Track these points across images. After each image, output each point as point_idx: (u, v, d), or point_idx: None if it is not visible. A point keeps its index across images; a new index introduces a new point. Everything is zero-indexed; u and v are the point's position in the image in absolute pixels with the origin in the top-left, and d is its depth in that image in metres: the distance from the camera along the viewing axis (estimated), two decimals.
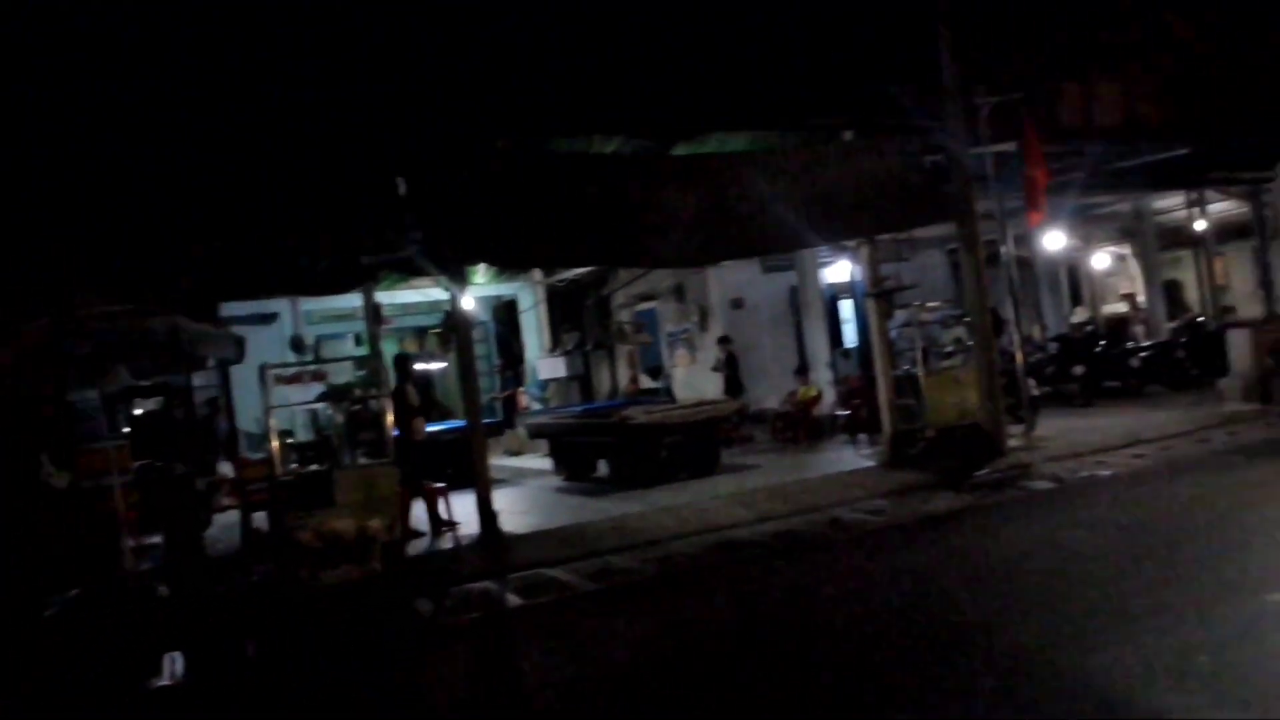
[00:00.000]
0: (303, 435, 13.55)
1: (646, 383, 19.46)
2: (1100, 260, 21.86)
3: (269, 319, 16.36)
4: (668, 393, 17.97)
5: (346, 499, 8.40)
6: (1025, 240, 15.69)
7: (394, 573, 8.18)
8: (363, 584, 7.88)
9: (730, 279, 17.48)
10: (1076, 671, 4.48)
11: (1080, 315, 21.46)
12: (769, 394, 16.41)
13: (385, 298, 15.22)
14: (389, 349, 14.82)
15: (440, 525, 10.19)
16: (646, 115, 10.47)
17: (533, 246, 10.29)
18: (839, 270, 16.75)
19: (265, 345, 14.05)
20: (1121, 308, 22.05)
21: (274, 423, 9.14)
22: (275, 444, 9.03)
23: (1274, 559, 6.24)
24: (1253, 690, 4.14)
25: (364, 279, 12.49)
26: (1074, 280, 22.56)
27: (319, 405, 12.54)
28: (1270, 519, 7.17)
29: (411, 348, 19.20)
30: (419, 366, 17.08)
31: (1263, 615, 5.01)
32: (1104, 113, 14.65)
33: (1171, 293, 22.15)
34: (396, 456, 9.20)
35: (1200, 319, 17.95)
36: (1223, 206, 19.14)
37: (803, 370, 15.76)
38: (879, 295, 12.12)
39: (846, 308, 18.54)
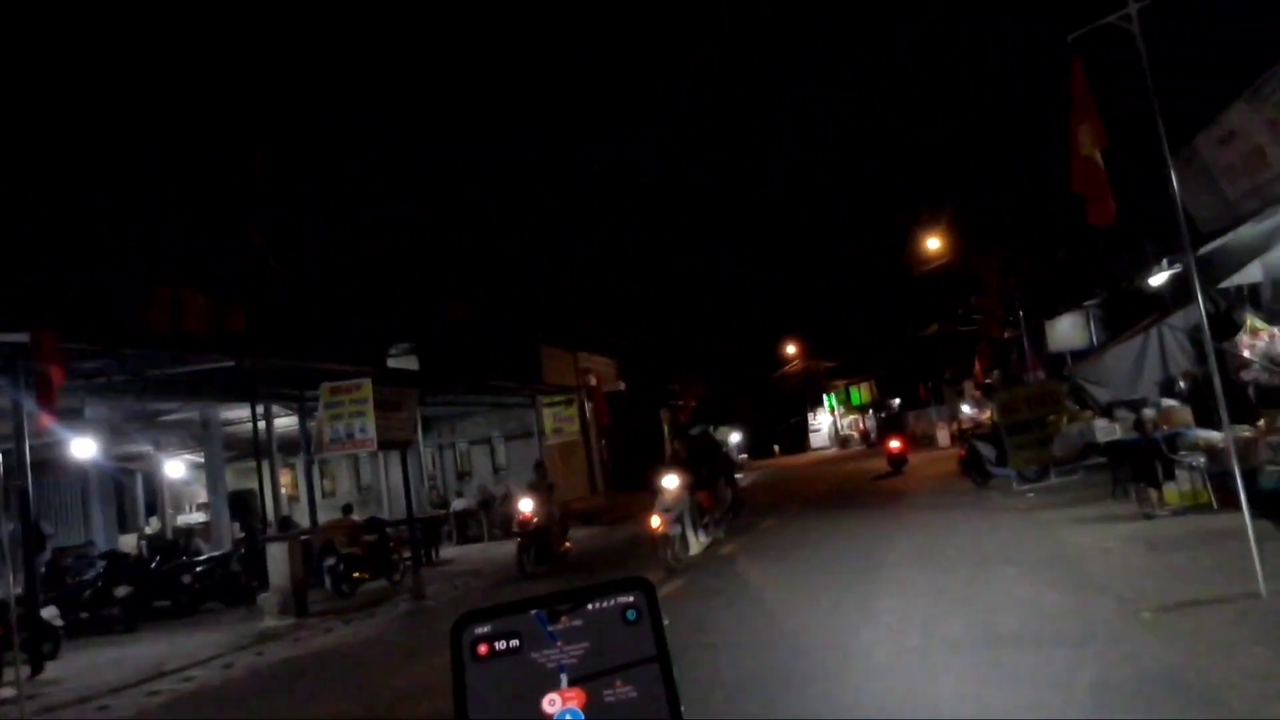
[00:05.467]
0: None
1: None
2: (175, 468, 21.01)
3: None
4: None
5: None
6: (57, 446, 13.92)
7: None
8: None
9: None
10: None
11: (154, 527, 20.18)
12: None
13: None
14: None
15: None
16: None
17: None
18: None
19: None
20: (200, 517, 21.45)
21: None
22: None
23: None
24: None
25: None
26: (151, 489, 21.23)
27: None
28: None
29: None
30: None
31: None
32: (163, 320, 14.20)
33: (248, 502, 22.19)
34: None
35: (258, 530, 18.06)
36: (290, 421, 20.06)
37: None
38: None
39: None
